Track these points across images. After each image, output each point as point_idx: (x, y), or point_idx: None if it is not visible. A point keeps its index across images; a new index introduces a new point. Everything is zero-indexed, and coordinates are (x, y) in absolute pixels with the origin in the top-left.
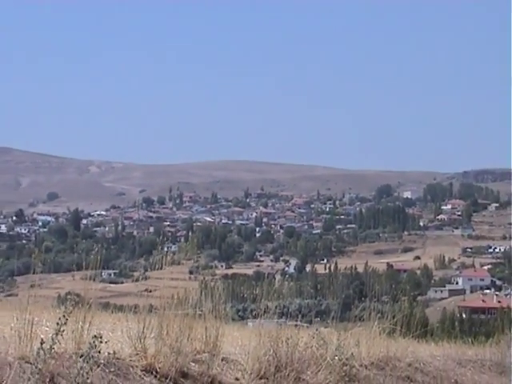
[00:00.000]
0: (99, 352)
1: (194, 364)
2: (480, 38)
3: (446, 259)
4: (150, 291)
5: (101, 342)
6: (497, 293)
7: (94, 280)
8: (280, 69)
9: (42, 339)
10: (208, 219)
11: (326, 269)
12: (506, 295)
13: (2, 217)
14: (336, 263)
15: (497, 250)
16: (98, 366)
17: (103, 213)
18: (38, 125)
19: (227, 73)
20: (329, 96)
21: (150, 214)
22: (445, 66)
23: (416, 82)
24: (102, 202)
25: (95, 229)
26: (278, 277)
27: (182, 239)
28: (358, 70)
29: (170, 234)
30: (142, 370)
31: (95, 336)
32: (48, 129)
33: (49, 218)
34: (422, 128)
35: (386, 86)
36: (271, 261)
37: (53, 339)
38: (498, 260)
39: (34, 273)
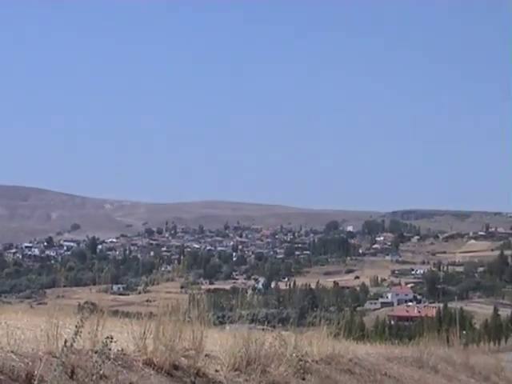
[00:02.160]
0: (110, 349)
1: (183, 359)
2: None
3: (379, 279)
4: (150, 301)
5: (111, 341)
6: (417, 305)
7: (107, 292)
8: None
9: (65, 339)
10: (196, 246)
11: (286, 285)
12: (425, 307)
13: (35, 242)
14: (294, 281)
15: (418, 272)
16: (109, 360)
17: (114, 240)
18: (65, 169)
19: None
20: (293, 143)
21: (151, 242)
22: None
23: (364, 134)
24: (114, 231)
25: (108, 252)
26: (249, 291)
27: (176, 261)
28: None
29: (166, 257)
30: (143, 363)
31: (107, 336)
32: (72, 173)
33: (72, 244)
34: (362, 176)
35: (339, 136)
36: (244, 279)
37: (73, 338)
38: (419, 280)
39: (59, 286)
